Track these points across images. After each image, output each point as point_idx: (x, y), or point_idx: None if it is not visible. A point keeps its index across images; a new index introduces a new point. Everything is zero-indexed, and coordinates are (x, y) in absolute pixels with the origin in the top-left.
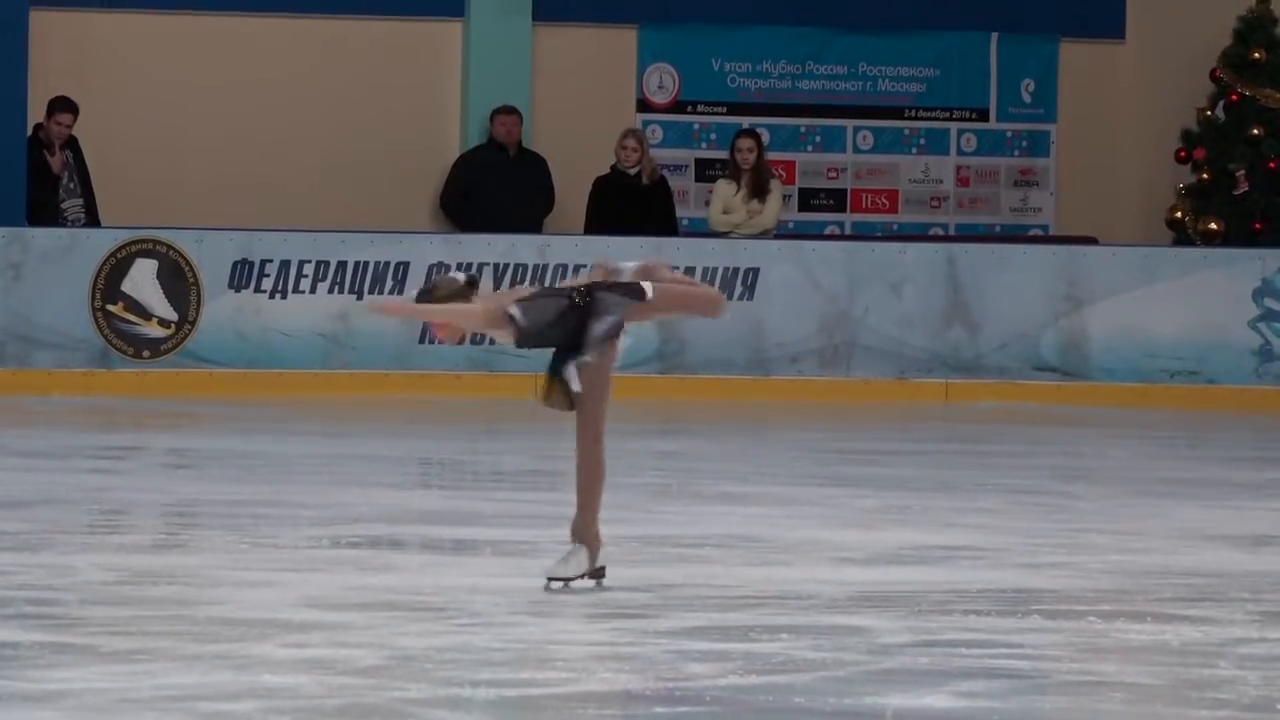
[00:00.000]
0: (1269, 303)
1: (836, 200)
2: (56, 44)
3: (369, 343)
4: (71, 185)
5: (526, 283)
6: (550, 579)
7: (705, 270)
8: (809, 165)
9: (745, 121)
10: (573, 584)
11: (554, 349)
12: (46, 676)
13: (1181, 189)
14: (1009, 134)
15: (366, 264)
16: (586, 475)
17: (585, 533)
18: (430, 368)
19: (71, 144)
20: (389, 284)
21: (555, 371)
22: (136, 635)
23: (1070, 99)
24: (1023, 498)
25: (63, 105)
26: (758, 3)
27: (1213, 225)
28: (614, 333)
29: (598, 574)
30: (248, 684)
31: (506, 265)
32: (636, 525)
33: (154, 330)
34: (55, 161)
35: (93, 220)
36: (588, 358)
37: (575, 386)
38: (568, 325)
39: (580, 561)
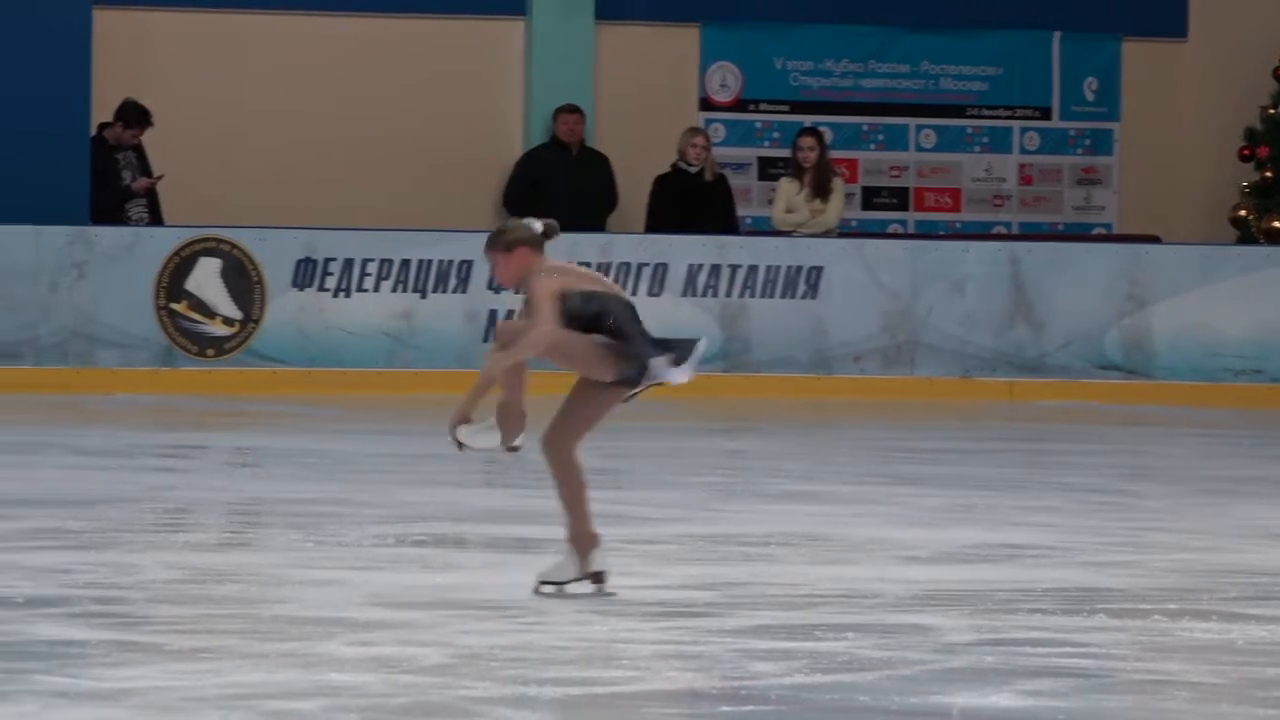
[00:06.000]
0: None
1: (899, 199)
2: (119, 43)
3: (432, 341)
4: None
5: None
6: (541, 582)
7: (769, 269)
8: (871, 164)
9: (807, 120)
10: (567, 589)
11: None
12: (112, 675)
13: (1245, 187)
14: (1071, 132)
15: (429, 262)
16: (567, 485)
17: (578, 538)
18: None
19: (135, 145)
20: (452, 282)
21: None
22: (202, 634)
23: (1133, 97)
24: (1087, 496)
25: (142, 119)
26: (820, 1)
27: (1276, 223)
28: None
29: (596, 578)
30: (313, 682)
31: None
32: (701, 524)
33: (218, 329)
34: (141, 185)
35: (156, 220)
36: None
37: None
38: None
39: (570, 566)
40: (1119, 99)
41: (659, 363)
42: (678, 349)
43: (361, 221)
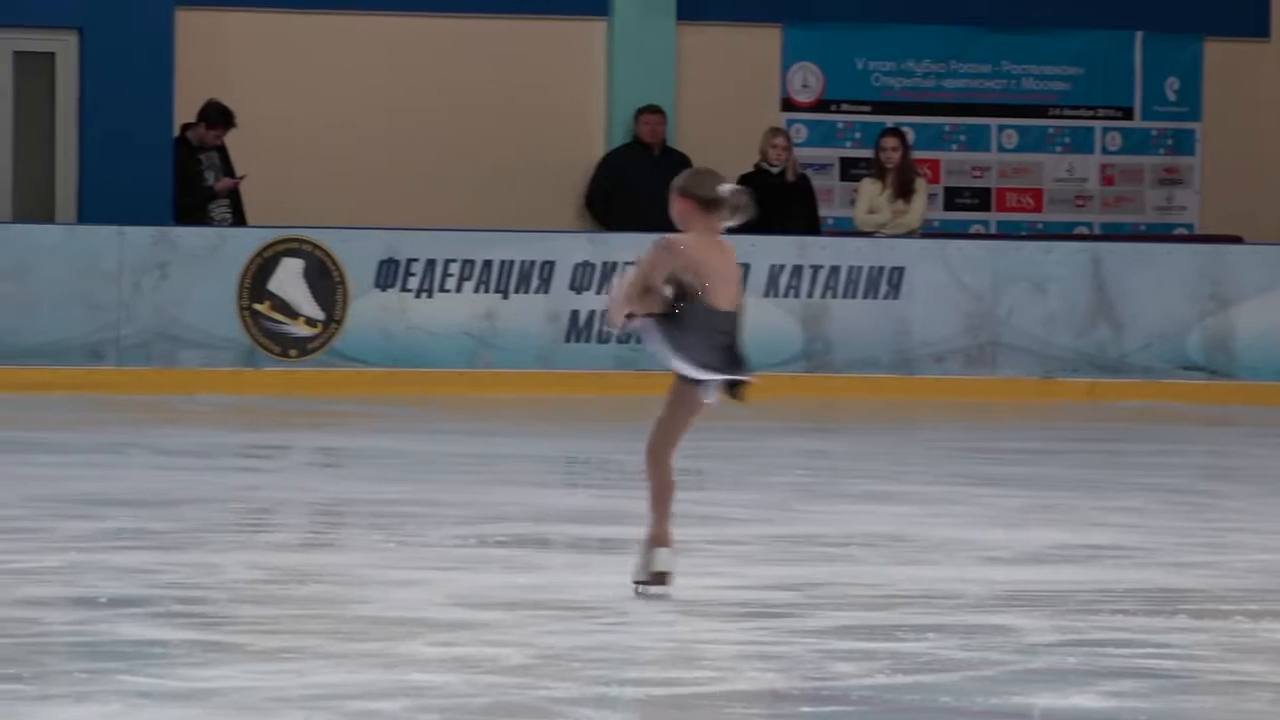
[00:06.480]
0: None
1: (981, 199)
2: (201, 44)
3: (515, 342)
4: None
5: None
6: (637, 582)
7: (851, 270)
8: (953, 164)
9: (889, 120)
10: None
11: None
12: (196, 675)
13: None
14: (1153, 133)
15: (511, 263)
16: (660, 486)
17: (665, 537)
18: (576, 367)
19: (218, 145)
20: (534, 282)
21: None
22: (284, 634)
23: (1215, 97)
24: (1168, 497)
25: (225, 120)
26: (901, 1)
27: None
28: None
29: (659, 578)
30: (395, 683)
31: None
32: (782, 524)
33: (300, 329)
34: (224, 185)
35: (239, 220)
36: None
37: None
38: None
39: (642, 564)
40: (1201, 99)
41: (695, 368)
42: (726, 369)
43: (443, 222)
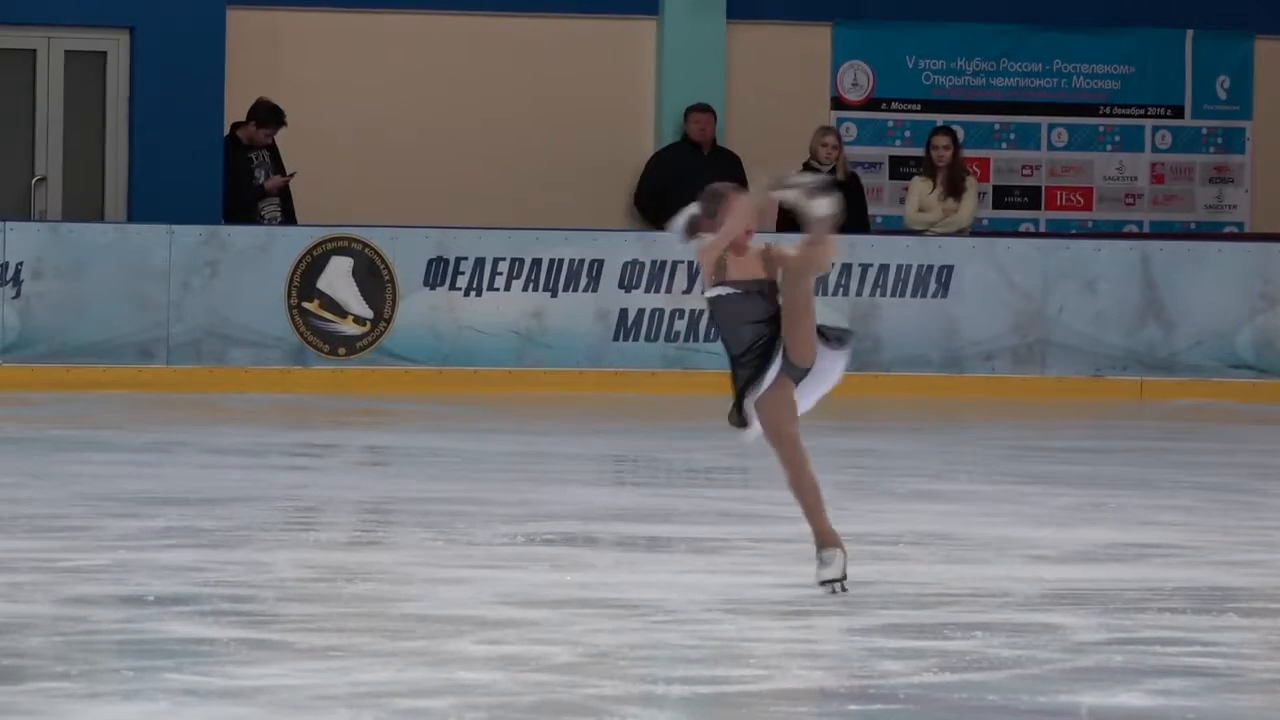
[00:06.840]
0: None
1: (1031, 198)
2: (252, 43)
3: (563, 340)
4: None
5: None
6: (821, 582)
7: (900, 268)
8: (1003, 163)
9: (939, 119)
10: (841, 585)
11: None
12: (243, 673)
13: None
14: (1204, 131)
15: (560, 261)
16: (799, 490)
17: (829, 537)
18: (624, 365)
19: (268, 144)
20: (583, 281)
21: (738, 401)
22: (332, 632)
23: (1266, 96)
24: (1218, 496)
25: (275, 119)
26: (952, 0)
27: None
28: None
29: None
30: (442, 681)
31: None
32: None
33: (349, 328)
34: (274, 183)
35: (289, 219)
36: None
37: (751, 425)
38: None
39: (840, 562)
40: (1251, 97)
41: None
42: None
43: (492, 220)
